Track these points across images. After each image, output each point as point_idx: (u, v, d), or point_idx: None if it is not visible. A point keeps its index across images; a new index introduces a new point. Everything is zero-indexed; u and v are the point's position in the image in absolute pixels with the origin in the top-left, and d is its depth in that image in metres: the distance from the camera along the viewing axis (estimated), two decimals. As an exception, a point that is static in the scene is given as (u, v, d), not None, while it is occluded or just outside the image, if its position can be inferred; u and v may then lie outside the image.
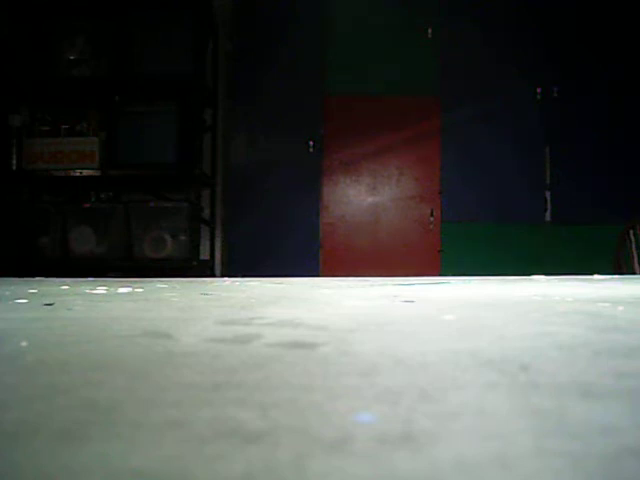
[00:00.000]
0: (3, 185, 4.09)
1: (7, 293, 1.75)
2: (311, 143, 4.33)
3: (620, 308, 1.26)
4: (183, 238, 4.00)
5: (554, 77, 4.30)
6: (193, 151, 4.04)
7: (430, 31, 4.34)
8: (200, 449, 0.39)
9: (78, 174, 3.99)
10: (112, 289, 1.86)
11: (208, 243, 4.36)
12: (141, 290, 1.85)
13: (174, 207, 4.02)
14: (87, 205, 4.07)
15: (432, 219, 4.34)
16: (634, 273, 3.32)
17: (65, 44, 4.01)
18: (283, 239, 4.30)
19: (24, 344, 0.82)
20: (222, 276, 4.22)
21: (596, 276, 2.75)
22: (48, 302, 1.37)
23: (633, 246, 3.37)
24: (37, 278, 2.58)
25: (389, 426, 0.43)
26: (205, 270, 4.21)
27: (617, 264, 3.48)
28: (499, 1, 4.34)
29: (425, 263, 4.26)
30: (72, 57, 4.02)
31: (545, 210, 4.29)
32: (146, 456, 0.38)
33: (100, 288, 1.89)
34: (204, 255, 4.29)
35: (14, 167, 4.05)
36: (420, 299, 1.50)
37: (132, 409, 0.49)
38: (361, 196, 4.40)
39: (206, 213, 4.34)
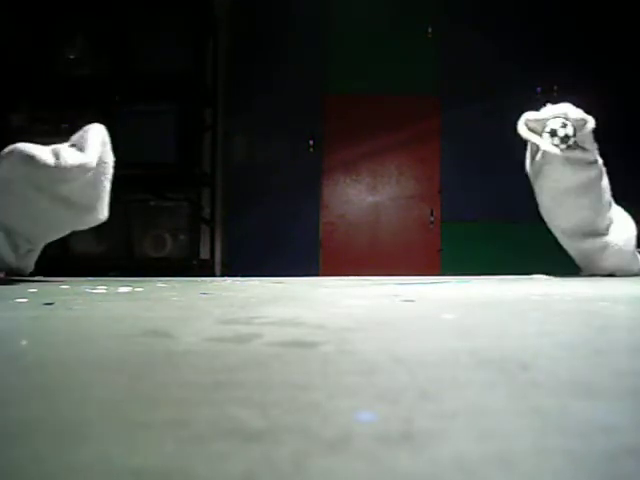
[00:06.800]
0: (3, 185, 4.08)
1: (7, 292, 1.75)
2: (311, 142, 4.33)
3: (620, 307, 1.26)
4: (183, 237, 4.00)
5: (554, 77, 4.29)
6: (193, 150, 4.03)
7: (430, 31, 4.34)
8: (201, 448, 0.39)
9: (78, 173, 3.99)
10: (112, 288, 1.86)
11: (208, 243, 4.36)
12: (141, 289, 1.85)
13: (174, 206, 4.02)
14: (87, 204, 4.06)
15: (432, 219, 4.34)
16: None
17: (65, 43, 4.01)
18: (283, 239, 4.30)
19: (24, 343, 0.82)
20: (222, 276, 4.22)
21: (596, 275, 2.76)
22: (48, 301, 1.37)
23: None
24: (37, 277, 2.57)
25: (389, 425, 0.43)
26: (205, 270, 4.20)
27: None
28: (499, 1, 4.34)
29: (425, 263, 4.26)
30: (72, 56, 4.02)
31: (545, 210, 4.28)
32: (147, 455, 0.38)
33: (100, 287, 1.89)
34: (204, 255, 4.29)
35: (14, 166, 4.05)
36: (420, 298, 1.50)
37: (133, 408, 0.49)
38: (361, 196, 4.40)
39: (206, 212, 4.34)
